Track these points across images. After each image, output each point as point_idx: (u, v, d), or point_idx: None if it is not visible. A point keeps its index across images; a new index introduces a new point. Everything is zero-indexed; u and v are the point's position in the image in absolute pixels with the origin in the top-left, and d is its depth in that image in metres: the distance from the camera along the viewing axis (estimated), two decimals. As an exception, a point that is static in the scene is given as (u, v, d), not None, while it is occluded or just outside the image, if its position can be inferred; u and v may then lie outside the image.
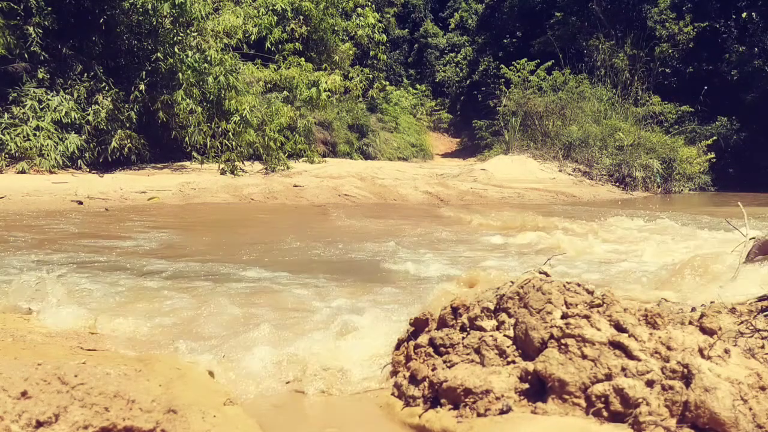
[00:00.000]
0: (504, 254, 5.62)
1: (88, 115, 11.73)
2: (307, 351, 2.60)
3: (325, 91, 16.80)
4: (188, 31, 13.14)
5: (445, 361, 2.29)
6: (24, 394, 1.50)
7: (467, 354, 2.28)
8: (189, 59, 12.58)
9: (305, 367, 2.47)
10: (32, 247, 5.39)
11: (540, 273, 2.73)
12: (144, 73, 12.50)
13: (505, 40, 29.69)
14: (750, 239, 3.94)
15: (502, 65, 24.26)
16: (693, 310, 2.47)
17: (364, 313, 3.14)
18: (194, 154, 13.33)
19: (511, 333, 2.28)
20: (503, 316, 2.36)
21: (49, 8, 11.60)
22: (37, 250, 5.21)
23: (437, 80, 35.41)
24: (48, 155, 11.02)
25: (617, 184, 17.98)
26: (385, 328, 2.83)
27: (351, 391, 2.40)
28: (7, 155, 10.88)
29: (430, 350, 2.39)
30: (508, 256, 5.51)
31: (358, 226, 8.11)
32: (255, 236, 7.11)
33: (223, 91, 13.16)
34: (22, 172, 10.66)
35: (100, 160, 11.91)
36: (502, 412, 2.01)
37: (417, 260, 5.05)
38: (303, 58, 17.52)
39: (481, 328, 2.35)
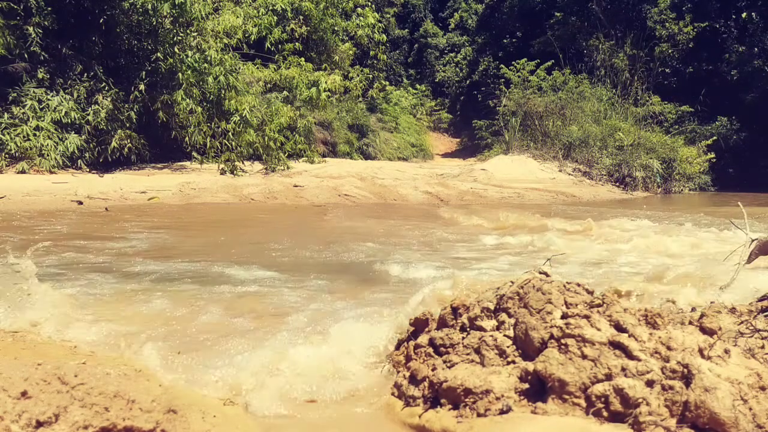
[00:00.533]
0: (498, 256, 5.56)
1: (88, 115, 11.73)
2: (263, 363, 2.43)
3: (325, 91, 16.79)
4: (188, 31, 13.14)
5: (445, 361, 2.29)
6: (24, 394, 1.50)
7: (467, 354, 2.28)
8: (189, 59, 12.58)
9: (255, 382, 2.32)
10: (16, 249, 5.21)
11: (540, 273, 2.74)
12: (144, 73, 12.50)
13: (505, 40, 29.70)
14: (753, 240, 3.93)
15: (502, 65, 24.27)
16: (693, 310, 2.47)
17: (345, 320, 3.02)
18: (194, 154, 13.33)
19: (511, 333, 2.28)
20: (503, 316, 2.36)
21: (49, 8, 11.60)
22: (20, 252, 5.08)
23: (437, 80, 35.42)
24: (48, 155, 11.02)
25: (617, 184, 17.99)
26: (365, 333, 2.76)
27: (333, 400, 2.33)
28: (7, 155, 10.88)
29: (430, 350, 2.39)
30: (502, 257, 5.45)
31: (356, 226, 8.10)
32: (251, 237, 7.09)
33: (223, 91, 13.16)
34: (22, 172, 10.66)
35: (100, 160, 11.91)
36: (502, 412, 2.01)
37: (409, 262, 4.97)
38: (303, 58, 17.52)
39: (481, 328, 2.35)
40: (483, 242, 6.52)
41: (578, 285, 2.38)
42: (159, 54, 12.56)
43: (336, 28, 20.29)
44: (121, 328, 3.02)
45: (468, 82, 32.47)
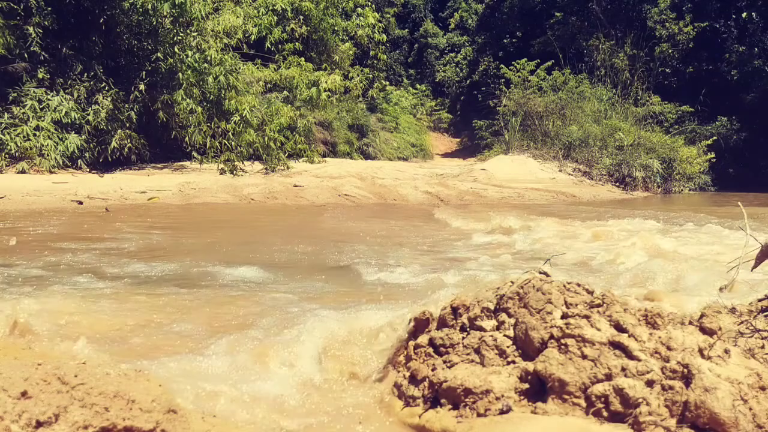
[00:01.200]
0: (485, 257, 5.44)
1: (88, 115, 11.74)
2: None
3: (325, 91, 16.80)
4: (188, 31, 13.14)
5: (445, 361, 2.29)
6: (24, 394, 1.50)
7: (467, 354, 2.28)
8: (189, 59, 12.58)
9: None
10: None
11: (540, 273, 2.73)
12: (144, 73, 12.51)
13: (505, 40, 29.72)
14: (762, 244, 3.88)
15: (502, 65, 24.28)
16: (693, 310, 2.47)
17: (306, 335, 2.69)
18: (194, 154, 13.34)
19: (511, 333, 2.28)
20: (503, 316, 2.36)
21: (49, 8, 11.61)
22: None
23: (437, 80, 35.46)
24: (48, 155, 11.03)
25: (617, 184, 17.99)
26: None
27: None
28: (7, 155, 10.88)
29: (430, 350, 2.39)
30: (489, 259, 5.32)
31: (352, 227, 8.06)
32: (245, 237, 7.02)
33: (223, 91, 13.16)
34: (23, 172, 10.67)
35: (100, 160, 11.92)
36: (502, 412, 2.01)
37: (397, 266, 4.86)
38: (303, 58, 17.52)
39: (481, 328, 2.35)
40: (473, 244, 6.45)
41: (578, 285, 2.37)
42: (159, 54, 12.56)
43: (336, 28, 20.29)
44: (57, 337, 2.78)
45: (468, 82, 32.49)
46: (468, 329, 2.38)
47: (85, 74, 12.10)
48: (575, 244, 6.30)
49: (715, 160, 19.69)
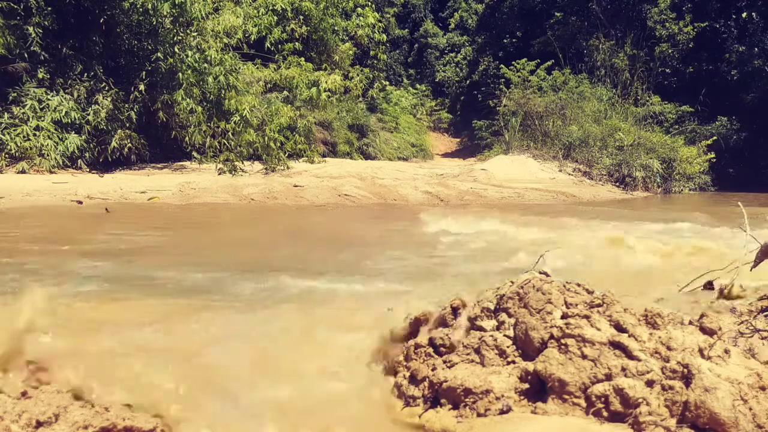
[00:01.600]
0: (476, 260, 5.34)
1: (88, 115, 11.73)
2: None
3: (325, 91, 16.80)
4: (188, 31, 13.14)
5: (445, 361, 2.29)
6: (24, 394, 1.50)
7: (467, 354, 2.28)
8: (189, 59, 12.58)
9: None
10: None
11: (540, 273, 2.73)
12: (144, 73, 12.50)
13: (505, 40, 29.71)
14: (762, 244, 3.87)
15: (502, 65, 24.28)
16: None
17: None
18: (194, 154, 13.33)
19: (511, 333, 2.28)
20: (503, 316, 2.36)
21: (49, 8, 11.61)
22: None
23: (437, 80, 35.48)
24: (48, 155, 11.02)
25: (617, 184, 17.99)
26: None
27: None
28: (7, 155, 10.88)
29: (430, 350, 2.39)
30: (479, 261, 5.25)
31: (347, 227, 7.98)
32: (232, 238, 6.92)
33: (223, 91, 13.16)
34: (22, 172, 10.66)
35: (100, 160, 11.91)
36: (502, 412, 2.01)
37: (372, 275, 4.64)
38: (303, 58, 17.53)
39: (481, 328, 2.35)
40: (464, 245, 6.32)
41: (578, 285, 2.38)
42: (159, 54, 12.56)
43: (336, 28, 20.29)
44: None
45: (468, 82, 32.49)
46: (468, 329, 2.38)
47: (85, 74, 12.10)
48: (571, 245, 6.25)
49: (715, 160, 19.66)
